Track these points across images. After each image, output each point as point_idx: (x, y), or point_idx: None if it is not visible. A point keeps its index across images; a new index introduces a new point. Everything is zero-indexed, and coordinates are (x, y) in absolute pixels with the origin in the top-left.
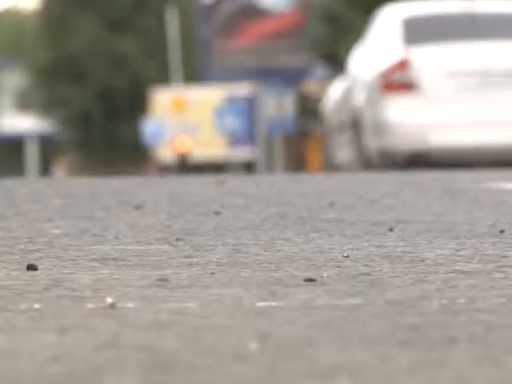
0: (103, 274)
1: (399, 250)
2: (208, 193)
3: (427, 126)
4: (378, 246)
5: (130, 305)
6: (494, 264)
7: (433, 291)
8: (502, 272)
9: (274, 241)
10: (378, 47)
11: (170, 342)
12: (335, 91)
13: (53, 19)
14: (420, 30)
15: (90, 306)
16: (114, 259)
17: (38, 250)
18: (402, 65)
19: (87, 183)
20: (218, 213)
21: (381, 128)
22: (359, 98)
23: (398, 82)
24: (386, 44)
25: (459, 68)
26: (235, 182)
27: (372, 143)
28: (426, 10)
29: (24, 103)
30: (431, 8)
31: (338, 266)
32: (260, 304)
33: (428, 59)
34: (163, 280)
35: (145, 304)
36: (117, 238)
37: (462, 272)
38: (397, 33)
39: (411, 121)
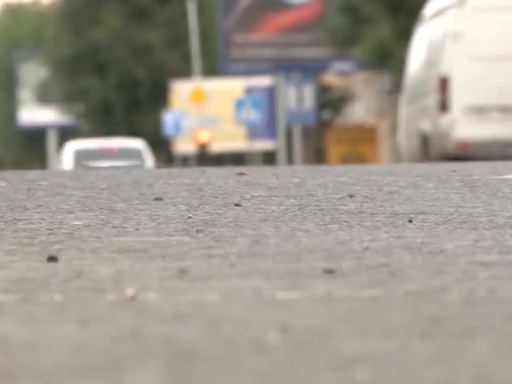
0: (124, 265)
1: (419, 241)
2: (228, 184)
3: None
4: (397, 238)
5: (151, 296)
6: None
7: (452, 282)
8: None
9: (294, 232)
10: (63, 165)
11: (190, 334)
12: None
13: (74, 10)
14: (83, 156)
15: (111, 297)
16: (134, 251)
17: (58, 242)
18: None
19: (107, 175)
20: (238, 204)
21: None
22: None
23: None
24: (65, 163)
25: None
26: (255, 173)
27: None
28: (86, 145)
29: (45, 96)
30: (89, 144)
31: (358, 258)
32: (280, 295)
33: None
34: (183, 271)
35: (165, 295)
36: (137, 229)
37: (482, 263)
38: (70, 156)
39: None
